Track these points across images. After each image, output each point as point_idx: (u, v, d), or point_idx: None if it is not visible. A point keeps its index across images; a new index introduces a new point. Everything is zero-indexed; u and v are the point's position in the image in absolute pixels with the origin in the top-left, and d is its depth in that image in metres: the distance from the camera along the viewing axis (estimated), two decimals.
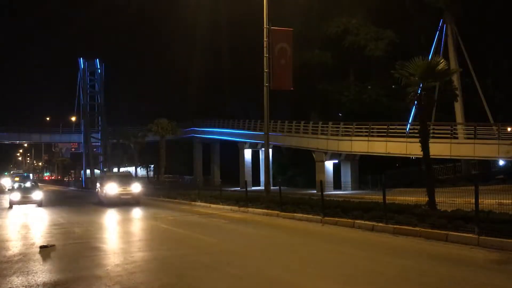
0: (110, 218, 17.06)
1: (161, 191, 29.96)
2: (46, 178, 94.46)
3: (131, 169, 60.24)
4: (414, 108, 17.35)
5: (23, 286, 6.60)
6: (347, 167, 32.83)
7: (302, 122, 34.81)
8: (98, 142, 58.85)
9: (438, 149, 24.40)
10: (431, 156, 14.13)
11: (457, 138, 27.05)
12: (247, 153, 42.94)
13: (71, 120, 63.96)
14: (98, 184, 28.04)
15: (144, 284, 6.58)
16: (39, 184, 56.36)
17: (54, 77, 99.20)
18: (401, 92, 16.75)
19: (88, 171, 57.62)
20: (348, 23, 36.24)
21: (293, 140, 35.74)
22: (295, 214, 14.41)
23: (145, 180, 61.13)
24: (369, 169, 31.52)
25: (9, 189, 37.35)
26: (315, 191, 25.29)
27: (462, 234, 9.27)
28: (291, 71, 22.23)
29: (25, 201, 23.62)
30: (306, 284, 6.54)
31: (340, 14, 36.60)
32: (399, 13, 34.59)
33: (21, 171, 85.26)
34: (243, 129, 42.05)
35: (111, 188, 23.24)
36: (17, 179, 45.17)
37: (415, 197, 13.81)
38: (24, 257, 8.89)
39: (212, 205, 19.93)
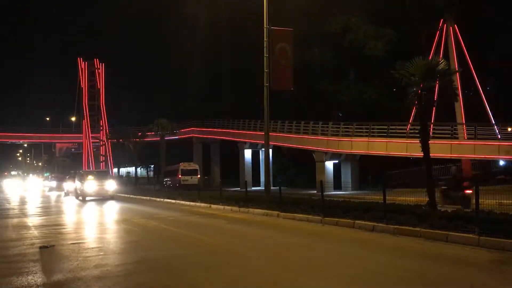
0: (108, 218, 17.05)
1: (161, 191, 30.00)
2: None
3: (131, 169, 60.30)
4: (414, 108, 17.35)
5: (23, 286, 6.59)
6: (347, 167, 32.84)
7: (302, 122, 34.80)
8: (98, 142, 58.85)
9: (438, 149, 24.42)
10: (431, 156, 14.15)
11: (457, 138, 27.06)
12: (247, 153, 42.92)
13: (71, 120, 63.96)
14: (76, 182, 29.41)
15: (144, 284, 6.58)
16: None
17: (54, 77, 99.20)
18: (401, 92, 16.76)
19: None
20: (348, 21, 36.25)
21: (293, 140, 35.74)
22: (296, 214, 14.40)
23: (145, 180, 61.18)
24: (370, 169, 31.54)
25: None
26: (315, 191, 25.29)
27: (462, 234, 9.26)
28: (291, 71, 22.27)
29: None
30: (306, 284, 6.53)
31: (340, 13, 36.61)
32: (399, 12, 34.59)
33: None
34: (243, 129, 42.04)
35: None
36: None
37: (416, 197, 13.83)
38: (24, 257, 8.88)
39: (212, 206, 19.91)
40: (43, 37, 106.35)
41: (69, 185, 33.37)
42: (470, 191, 12.74)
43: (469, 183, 13.17)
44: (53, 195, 36.62)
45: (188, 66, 55.02)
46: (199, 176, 39.85)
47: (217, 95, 53.81)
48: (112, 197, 27.05)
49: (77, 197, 28.78)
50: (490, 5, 34.45)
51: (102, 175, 29.56)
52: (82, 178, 27.83)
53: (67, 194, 33.26)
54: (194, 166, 40.42)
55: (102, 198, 27.00)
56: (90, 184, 26.85)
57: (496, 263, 7.58)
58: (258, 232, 12.03)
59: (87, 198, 26.83)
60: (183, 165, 39.43)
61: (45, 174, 74.97)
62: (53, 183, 45.00)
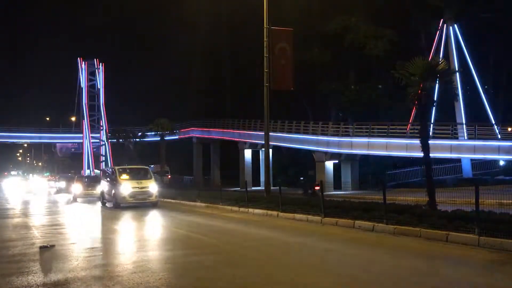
0: (108, 218, 17.05)
1: (161, 191, 29.96)
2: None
3: None
4: (414, 108, 17.36)
5: (23, 286, 6.59)
6: (347, 167, 32.81)
7: (302, 122, 34.80)
8: (98, 142, 58.91)
9: (438, 149, 24.42)
10: (431, 156, 14.15)
11: (457, 138, 27.07)
12: (247, 153, 42.90)
13: (71, 120, 64.02)
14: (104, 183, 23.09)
15: (144, 284, 6.57)
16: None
17: (54, 77, 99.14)
18: (401, 92, 16.76)
19: (88, 171, 57.68)
20: (348, 21, 36.29)
21: (293, 140, 35.74)
22: (295, 214, 14.40)
23: None
24: (369, 169, 31.54)
25: None
26: None
27: (462, 234, 9.25)
28: (291, 71, 22.27)
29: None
30: (306, 284, 6.53)
31: (340, 13, 36.64)
32: (399, 12, 34.62)
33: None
34: (243, 129, 42.03)
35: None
36: None
37: (415, 197, 13.81)
38: (24, 257, 8.88)
39: (212, 205, 19.92)
40: (43, 37, 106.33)
41: (77, 188, 27.61)
42: (318, 188, 18.20)
43: (318, 183, 17.65)
44: (63, 199, 29.65)
45: (188, 66, 55.06)
46: (169, 176, 46.10)
47: (217, 95, 53.80)
48: (155, 204, 20.71)
49: (103, 203, 22.68)
50: (490, 5, 34.44)
51: (141, 172, 22.46)
52: (113, 178, 21.40)
53: (74, 199, 27.11)
54: (165, 168, 45.97)
55: (142, 205, 20.60)
56: (127, 186, 20.38)
57: (496, 263, 7.58)
58: (258, 232, 12.03)
59: (122, 205, 20.36)
60: (155, 167, 45.16)
61: (45, 174, 74.77)
62: (62, 184, 38.71)
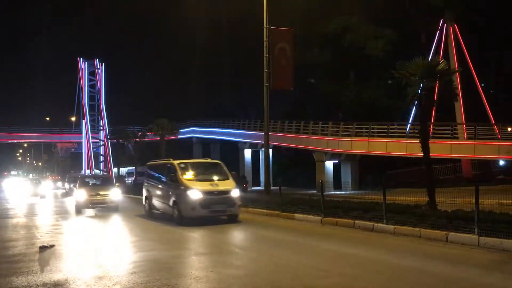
0: (104, 218, 17.03)
1: None
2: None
3: (131, 170, 60.23)
4: (414, 108, 17.34)
5: (23, 286, 6.59)
6: (347, 167, 32.83)
7: (302, 122, 34.81)
8: (98, 142, 58.90)
9: (438, 149, 24.41)
10: (431, 156, 14.16)
11: (457, 138, 27.05)
12: (247, 153, 42.93)
13: (71, 120, 64.05)
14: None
15: (144, 284, 6.58)
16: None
17: (54, 77, 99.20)
18: (401, 92, 16.76)
19: (88, 171, 57.67)
20: (348, 21, 36.32)
21: (293, 140, 35.74)
22: (295, 214, 14.39)
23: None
24: (369, 169, 31.54)
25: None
26: (315, 191, 25.28)
27: (462, 234, 9.25)
28: (291, 71, 22.26)
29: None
30: (306, 284, 6.53)
31: (340, 13, 36.67)
32: (399, 12, 34.63)
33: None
34: (243, 129, 42.06)
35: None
36: None
37: (416, 197, 13.79)
38: (24, 257, 8.88)
39: None
40: (43, 37, 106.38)
41: (81, 194, 18.82)
42: (246, 186, 25.12)
43: (246, 181, 23.53)
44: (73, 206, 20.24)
45: (188, 66, 55.15)
46: (245, 185, 49.47)
47: (217, 95, 53.88)
48: (235, 217, 14.18)
49: (149, 212, 16.28)
50: (490, 5, 34.44)
51: (212, 169, 15.37)
52: (171, 178, 14.52)
53: (78, 209, 18.79)
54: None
55: (217, 218, 14.06)
56: (197, 190, 13.40)
57: (496, 263, 7.58)
58: (257, 232, 12.02)
59: (189, 218, 13.41)
60: (138, 169, 45.93)
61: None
62: (70, 186, 32.68)
